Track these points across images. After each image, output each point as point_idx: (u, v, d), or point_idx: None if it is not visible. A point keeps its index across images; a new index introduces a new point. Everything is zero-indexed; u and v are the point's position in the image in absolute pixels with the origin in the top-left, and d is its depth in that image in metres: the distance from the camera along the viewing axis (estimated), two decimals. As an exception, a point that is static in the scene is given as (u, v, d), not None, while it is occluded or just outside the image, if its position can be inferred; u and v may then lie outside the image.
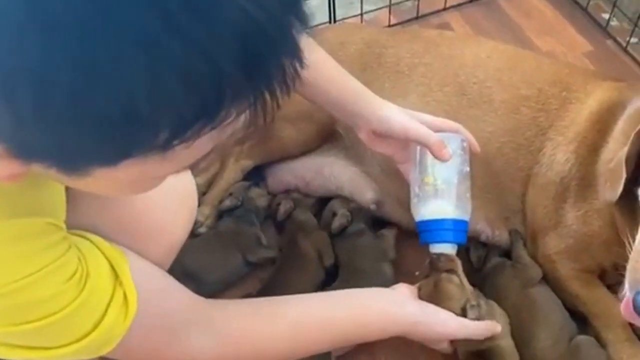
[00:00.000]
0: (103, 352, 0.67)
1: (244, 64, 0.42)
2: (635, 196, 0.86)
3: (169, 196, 0.77)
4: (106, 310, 0.64)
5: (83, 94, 0.39)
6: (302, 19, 0.45)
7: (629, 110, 0.97)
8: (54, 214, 0.63)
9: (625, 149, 0.86)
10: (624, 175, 0.87)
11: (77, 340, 0.63)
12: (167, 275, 0.77)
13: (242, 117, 0.47)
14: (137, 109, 0.40)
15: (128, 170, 0.47)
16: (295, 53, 0.46)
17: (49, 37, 0.38)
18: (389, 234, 1.19)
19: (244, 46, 0.41)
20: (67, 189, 0.65)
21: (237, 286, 1.17)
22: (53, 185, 0.63)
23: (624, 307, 0.82)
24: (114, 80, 0.39)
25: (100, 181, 0.49)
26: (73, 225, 0.67)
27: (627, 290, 0.79)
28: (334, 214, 1.22)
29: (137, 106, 0.40)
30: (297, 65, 0.46)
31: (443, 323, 0.91)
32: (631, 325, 1.01)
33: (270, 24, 0.42)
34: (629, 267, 0.80)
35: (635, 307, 0.75)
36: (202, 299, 0.79)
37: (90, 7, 0.37)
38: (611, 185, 0.90)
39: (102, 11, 0.38)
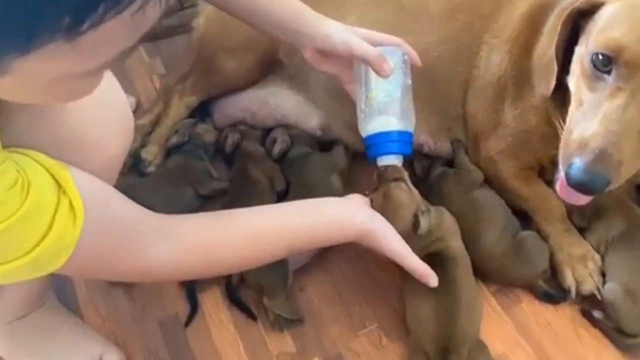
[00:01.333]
0: (57, 266, 0.66)
1: None
2: (566, 86, 0.89)
3: (103, 110, 0.75)
4: (53, 219, 0.63)
5: None
6: None
7: (558, 8, 0.99)
8: None
9: (554, 41, 0.89)
10: (556, 68, 0.90)
11: (28, 252, 0.61)
12: (113, 188, 0.76)
13: (155, 5, 0.46)
14: None
15: (44, 64, 0.46)
16: None
17: None
18: (339, 146, 1.21)
19: None
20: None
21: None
22: None
23: (560, 187, 0.85)
24: None
25: (22, 79, 0.48)
26: (7, 144, 0.66)
27: (560, 169, 0.82)
28: (275, 141, 1.24)
29: None
30: None
31: (390, 240, 0.91)
32: (569, 216, 1.07)
33: None
34: (561, 145, 0.83)
35: (568, 181, 0.78)
36: (154, 212, 0.78)
37: None
38: (545, 81, 0.93)
39: None
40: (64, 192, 0.65)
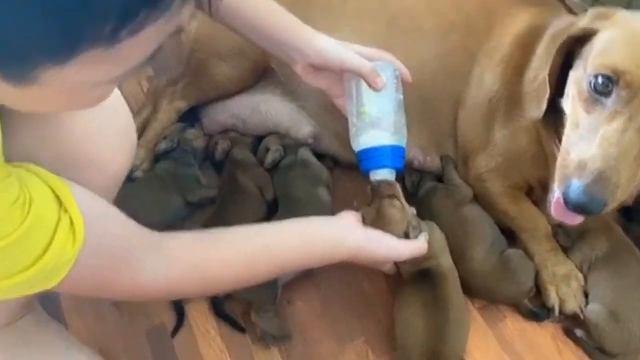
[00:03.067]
0: (53, 283, 0.65)
1: None
2: (559, 109, 0.91)
3: (109, 127, 0.75)
4: (54, 236, 0.62)
5: None
6: None
7: (551, 31, 1.00)
8: None
9: (548, 66, 0.90)
10: (548, 91, 0.91)
11: (26, 270, 0.60)
12: (112, 205, 0.76)
13: (187, 9, 0.46)
14: None
15: (77, 72, 0.46)
16: None
17: None
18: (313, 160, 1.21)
19: None
20: (3, 122, 0.63)
21: (178, 229, 1.16)
22: None
23: (555, 207, 0.86)
24: None
25: (49, 90, 0.48)
26: (10, 158, 0.65)
27: (556, 190, 0.83)
28: (268, 150, 1.23)
29: None
30: None
31: (388, 246, 0.93)
32: (555, 237, 1.08)
33: None
34: (557, 165, 0.84)
35: (567, 202, 0.79)
36: (150, 230, 0.78)
37: None
38: (536, 103, 0.95)
39: None
40: (65, 211, 0.65)
